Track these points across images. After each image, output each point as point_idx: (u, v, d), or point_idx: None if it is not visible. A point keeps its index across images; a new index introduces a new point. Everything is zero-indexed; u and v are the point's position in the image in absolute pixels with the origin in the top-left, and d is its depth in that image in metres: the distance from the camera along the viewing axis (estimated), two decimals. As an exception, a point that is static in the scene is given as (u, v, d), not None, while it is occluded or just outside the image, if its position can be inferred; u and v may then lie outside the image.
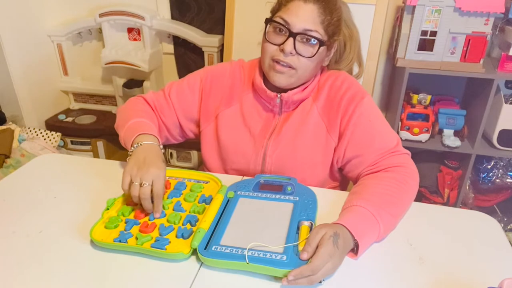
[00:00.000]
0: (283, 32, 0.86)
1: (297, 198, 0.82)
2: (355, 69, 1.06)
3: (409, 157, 0.90)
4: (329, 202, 0.86)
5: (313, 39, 0.86)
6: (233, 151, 0.98)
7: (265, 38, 0.89)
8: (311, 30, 0.85)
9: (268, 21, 0.89)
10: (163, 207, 0.80)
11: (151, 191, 0.77)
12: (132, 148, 0.85)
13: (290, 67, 0.87)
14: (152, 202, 0.78)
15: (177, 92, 1.01)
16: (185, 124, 1.04)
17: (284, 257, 0.66)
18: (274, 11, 0.90)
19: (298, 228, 0.73)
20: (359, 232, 0.71)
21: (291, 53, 0.85)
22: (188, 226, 0.76)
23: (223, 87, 1.00)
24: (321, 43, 0.86)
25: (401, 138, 1.68)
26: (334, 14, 0.87)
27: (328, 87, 0.95)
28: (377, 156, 0.88)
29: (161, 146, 0.89)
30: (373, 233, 0.74)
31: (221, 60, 1.88)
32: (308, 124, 0.94)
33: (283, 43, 0.85)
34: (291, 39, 0.85)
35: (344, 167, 0.95)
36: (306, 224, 0.73)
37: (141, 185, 0.76)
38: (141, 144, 0.84)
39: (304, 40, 0.86)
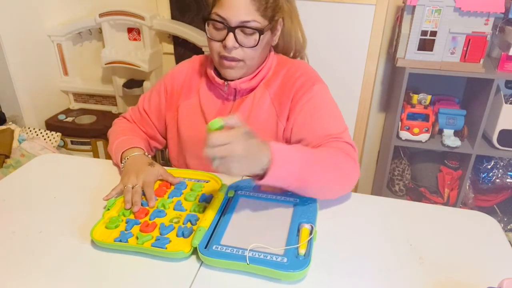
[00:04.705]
0: (222, 28, 0.86)
1: (297, 200, 0.82)
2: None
3: (353, 149, 0.86)
4: (329, 204, 0.85)
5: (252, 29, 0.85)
6: (190, 138, 1.00)
7: (208, 37, 0.89)
8: (248, 21, 0.84)
9: (205, 20, 0.88)
10: (164, 206, 0.81)
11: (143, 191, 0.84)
12: (122, 164, 0.93)
13: (237, 60, 0.87)
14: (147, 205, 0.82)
15: (148, 103, 1.05)
16: (163, 128, 1.07)
17: (285, 259, 0.66)
18: (210, 6, 0.88)
19: (298, 231, 0.73)
20: (278, 154, 0.69)
21: (234, 47, 0.85)
22: (189, 224, 0.76)
23: (183, 82, 1.02)
24: (260, 31, 0.86)
25: (401, 138, 1.70)
26: None
27: (283, 75, 0.95)
28: (320, 139, 0.86)
29: (147, 153, 0.96)
30: (291, 170, 0.71)
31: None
32: (260, 110, 0.94)
33: (224, 38, 0.85)
34: (231, 34, 0.85)
35: None
36: (306, 226, 0.73)
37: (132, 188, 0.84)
38: (128, 158, 0.92)
39: (244, 31, 0.86)
